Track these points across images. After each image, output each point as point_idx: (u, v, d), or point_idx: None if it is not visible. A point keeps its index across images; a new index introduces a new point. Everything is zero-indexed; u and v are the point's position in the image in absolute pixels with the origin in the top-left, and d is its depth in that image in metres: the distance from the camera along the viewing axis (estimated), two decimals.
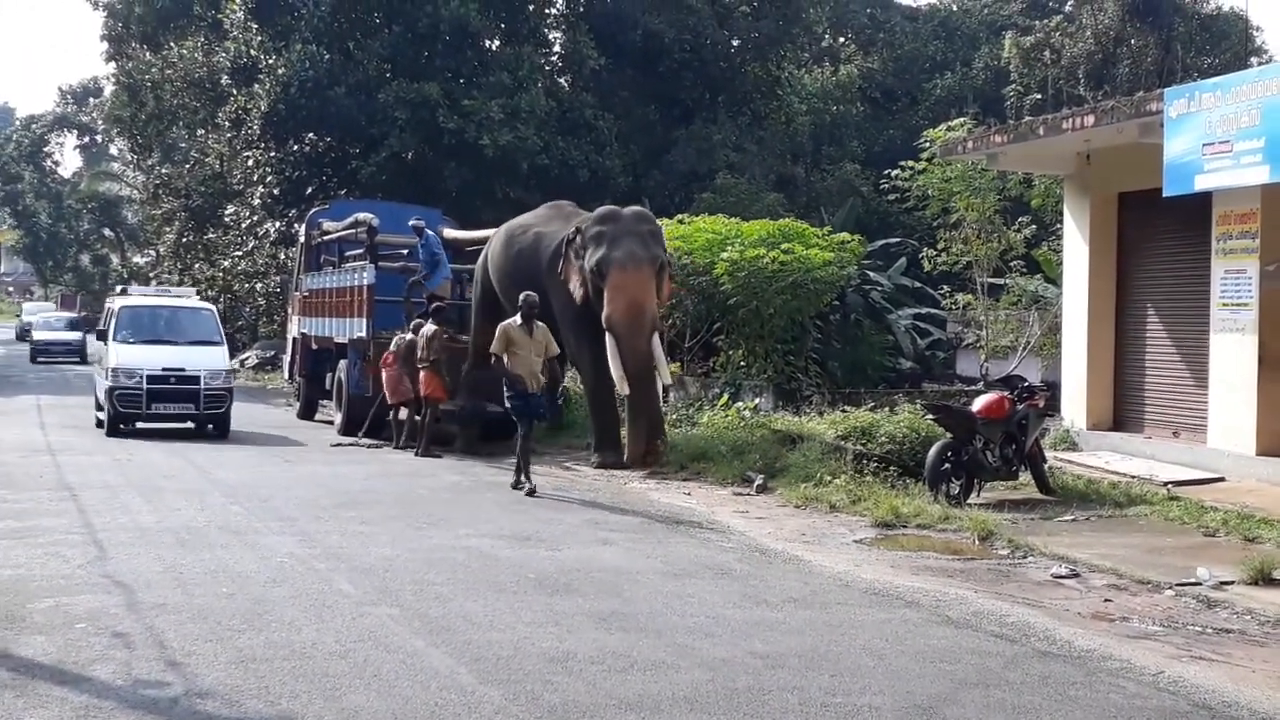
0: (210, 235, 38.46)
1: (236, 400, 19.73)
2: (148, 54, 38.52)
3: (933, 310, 25.61)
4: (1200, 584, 8.83)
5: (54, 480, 13.60)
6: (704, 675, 6.46)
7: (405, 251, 19.85)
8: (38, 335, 43.44)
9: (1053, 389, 14.64)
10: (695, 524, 11.55)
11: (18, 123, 79.53)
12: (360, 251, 20.07)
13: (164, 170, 42.97)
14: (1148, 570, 9.30)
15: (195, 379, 18.64)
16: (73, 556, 9.22)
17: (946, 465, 12.32)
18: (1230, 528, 10.82)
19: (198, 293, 26.60)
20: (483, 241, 20.93)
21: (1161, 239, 15.06)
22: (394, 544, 10.05)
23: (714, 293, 20.16)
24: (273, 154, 31.88)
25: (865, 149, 37.63)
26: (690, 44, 34.32)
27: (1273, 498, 11.92)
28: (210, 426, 19.06)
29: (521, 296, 13.75)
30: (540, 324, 13.76)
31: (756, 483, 13.71)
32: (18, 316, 64.78)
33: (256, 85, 30.52)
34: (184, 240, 39.40)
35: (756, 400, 18.22)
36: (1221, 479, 12.97)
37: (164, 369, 18.57)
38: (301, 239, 24.09)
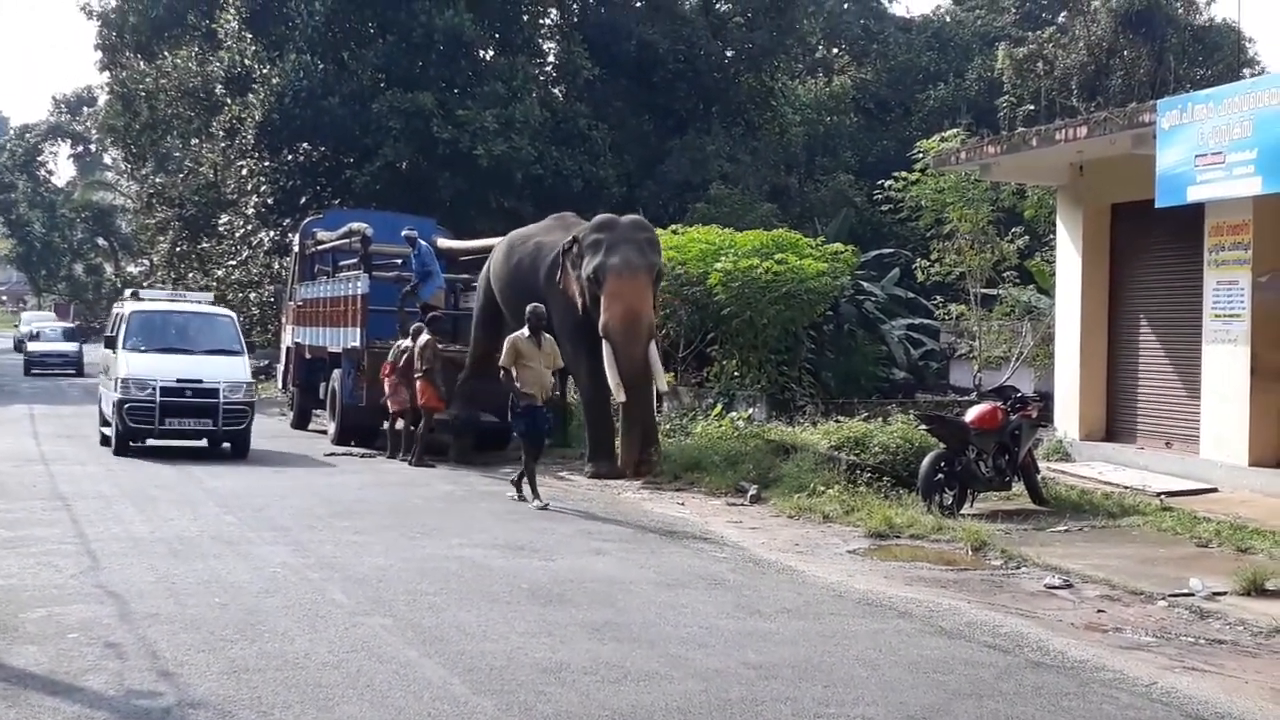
0: (204, 244, 38.38)
1: None
2: (142, 63, 38.43)
3: (926, 321, 25.65)
4: (1193, 595, 8.84)
5: (47, 490, 13.56)
6: (697, 686, 6.46)
7: (399, 261, 19.85)
8: (32, 346, 40.89)
9: (1046, 399, 14.70)
10: (689, 534, 11.55)
11: (11, 132, 79.50)
12: (354, 261, 20.08)
13: (158, 179, 42.87)
14: (1141, 581, 9.31)
15: (213, 392, 16.87)
16: (65, 566, 9.20)
17: (940, 476, 12.34)
18: (1223, 538, 10.84)
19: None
20: (477, 251, 20.99)
21: (1154, 250, 15.09)
22: (387, 554, 10.04)
23: (708, 303, 20.20)
24: (267, 163, 31.86)
25: (859, 159, 37.71)
26: (684, 54, 34.39)
27: (1265, 508, 11.93)
28: (227, 445, 17.41)
29: (529, 309, 13.68)
30: (548, 336, 13.72)
31: (750, 493, 13.71)
32: (15, 326, 61.75)
33: (251, 95, 30.49)
34: (178, 249, 39.30)
35: (750, 410, 18.24)
36: (1214, 490, 12.99)
37: (179, 380, 16.87)
38: (295, 248, 24.10)
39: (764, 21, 36.52)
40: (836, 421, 15.95)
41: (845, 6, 45.21)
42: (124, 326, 17.95)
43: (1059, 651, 7.40)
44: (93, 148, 76.60)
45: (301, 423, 22.75)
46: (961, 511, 12.17)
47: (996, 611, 8.46)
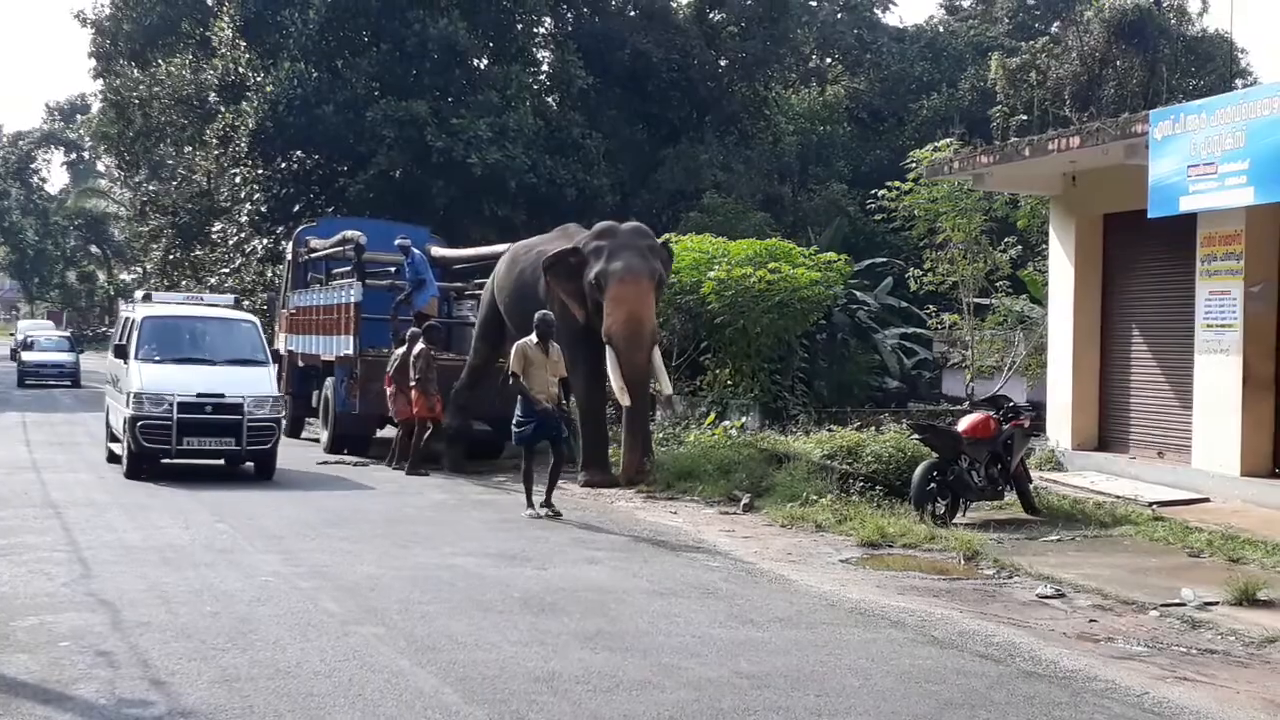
0: (197, 252, 38.35)
1: None
2: (135, 71, 38.46)
3: (919, 330, 25.70)
4: (1185, 605, 8.85)
5: (39, 498, 13.54)
6: (690, 695, 6.45)
7: (393, 269, 19.86)
8: (27, 356, 38.81)
9: (1038, 409, 14.69)
10: (681, 543, 11.55)
11: (5, 139, 79.48)
12: (348, 269, 20.07)
13: (151, 187, 42.85)
14: (1133, 591, 9.32)
15: (236, 407, 15.26)
16: (57, 574, 9.18)
17: (932, 485, 12.34)
18: (1215, 548, 10.84)
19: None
20: (470, 260, 21.01)
21: (1146, 260, 15.13)
22: (380, 562, 10.03)
23: (701, 312, 20.22)
24: (260, 171, 31.86)
25: (852, 169, 37.75)
26: (678, 64, 34.47)
27: (1257, 518, 11.96)
28: (251, 465, 15.94)
29: (538, 315, 13.58)
30: (555, 345, 13.59)
31: (743, 502, 13.71)
32: (12, 334, 58.95)
33: (244, 103, 30.51)
34: (171, 257, 39.27)
35: (743, 419, 18.26)
36: (1206, 499, 13.01)
37: (198, 395, 15.25)
38: (289, 256, 24.08)
39: (757, 31, 36.63)
40: (829, 430, 15.99)
41: (839, 16, 45.27)
42: (136, 333, 16.24)
43: (1051, 661, 7.41)
44: (86, 155, 76.68)
45: (294, 431, 22.71)
46: (954, 521, 12.18)
47: (989, 621, 8.46)
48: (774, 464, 14.69)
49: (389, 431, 18.76)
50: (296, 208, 31.95)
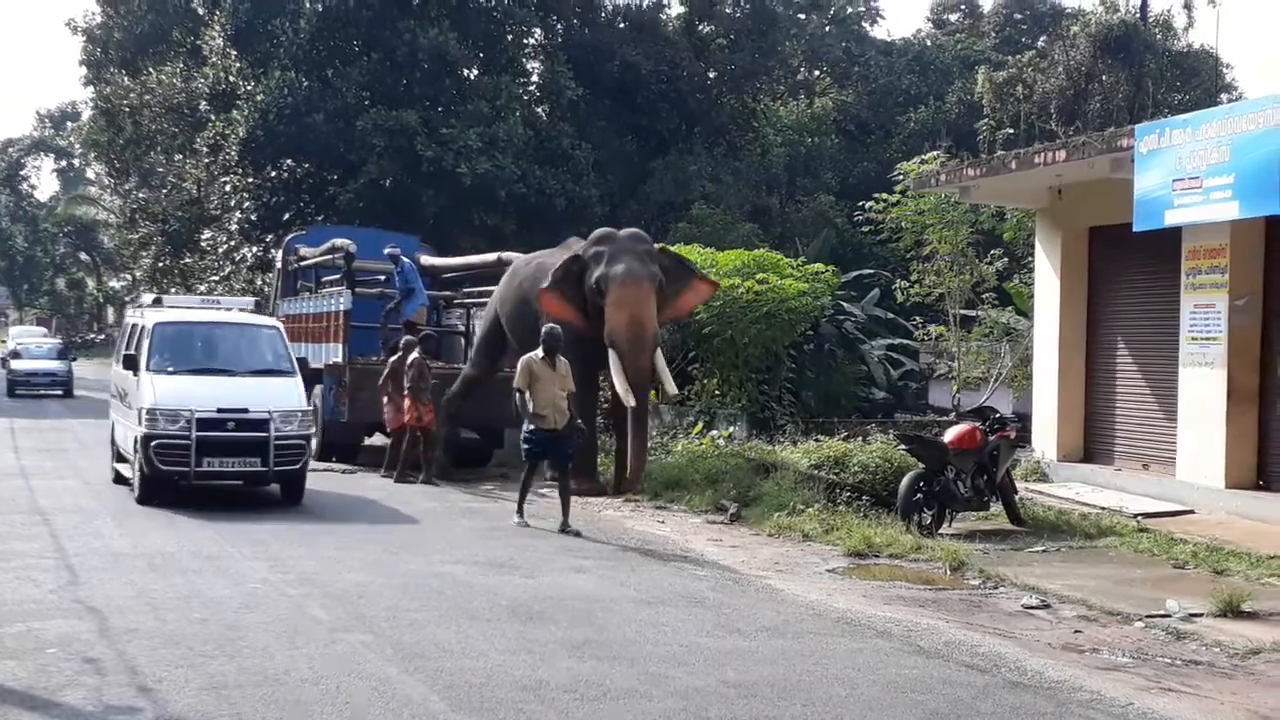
0: (187, 260, 38.32)
1: None
2: (126, 79, 38.42)
3: (905, 341, 25.73)
4: (1170, 616, 8.90)
5: (27, 504, 13.51)
6: (677, 704, 6.48)
7: (382, 278, 19.85)
8: (16, 365, 37.07)
9: (1024, 420, 14.76)
10: (669, 552, 11.57)
11: None
12: (337, 277, 20.06)
13: (141, 195, 42.79)
14: (1118, 602, 9.37)
15: (262, 424, 13.64)
16: (44, 581, 9.18)
17: (919, 495, 12.39)
18: (1199, 560, 10.90)
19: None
20: (460, 269, 21.03)
21: (1132, 273, 15.22)
22: (368, 570, 10.04)
23: (689, 322, 20.23)
24: (250, 180, 31.86)
25: (840, 181, 37.83)
26: (667, 75, 34.57)
27: (1241, 530, 12.03)
28: (278, 487, 14.42)
29: (545, 329, 13.38)
30: (563, 359, 13.22)
31: (730, 511, 13.73)
32: (3, 341, 56.01)
33: (235, 111, 30.52)
34: (161, 265, 39.21)
35: (731, 429, 18.29)
36: (1191, 511, 13.07)
37: (219, 410, 13.63)
38: (279, 264, 24.05)
39: (746, 43, 36.74)
40: (816, 441, 16.02)
41: (827, 29, 45.44)
42: (146, 342, 14.43)
43: (1036, 672, 7.45)
44: (76, 162, 76.53)
45: None
46: (940, 531, 12.23)
47: (974, 631, 8.50)
48: (761, 474, 14.71)
49: (378, 439, 18.75)
50: (286, 216, 31.97)
